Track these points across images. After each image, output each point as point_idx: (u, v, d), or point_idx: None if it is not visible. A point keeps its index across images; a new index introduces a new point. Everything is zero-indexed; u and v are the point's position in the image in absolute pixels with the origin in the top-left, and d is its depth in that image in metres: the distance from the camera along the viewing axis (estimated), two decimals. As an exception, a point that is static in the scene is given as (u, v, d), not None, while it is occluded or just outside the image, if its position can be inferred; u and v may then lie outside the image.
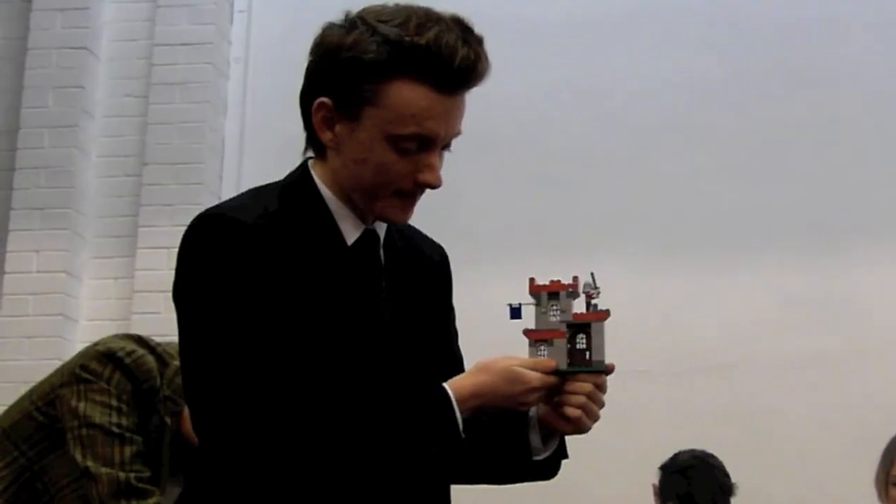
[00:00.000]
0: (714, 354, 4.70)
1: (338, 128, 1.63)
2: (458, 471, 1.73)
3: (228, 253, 1.55)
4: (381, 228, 1.71)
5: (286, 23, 5.26)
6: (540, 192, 4.99)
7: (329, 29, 1.64)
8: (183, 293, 1.60)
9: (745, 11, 5.09)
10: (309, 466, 1.52)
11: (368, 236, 1.69)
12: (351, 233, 1.67)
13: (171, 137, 5.12)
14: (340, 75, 1.61)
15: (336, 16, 1.67)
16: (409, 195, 1.65)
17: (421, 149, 1.62)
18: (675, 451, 3.61)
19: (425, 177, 1.63)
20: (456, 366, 1.75)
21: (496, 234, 4.88)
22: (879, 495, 3.36)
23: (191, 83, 5.16)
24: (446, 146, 1.67)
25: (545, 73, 5.10)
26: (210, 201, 5.03)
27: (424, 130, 1.60)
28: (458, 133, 1.66)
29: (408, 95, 1.59)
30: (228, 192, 5.08)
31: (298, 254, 1.60)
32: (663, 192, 4.94)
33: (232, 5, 5.41)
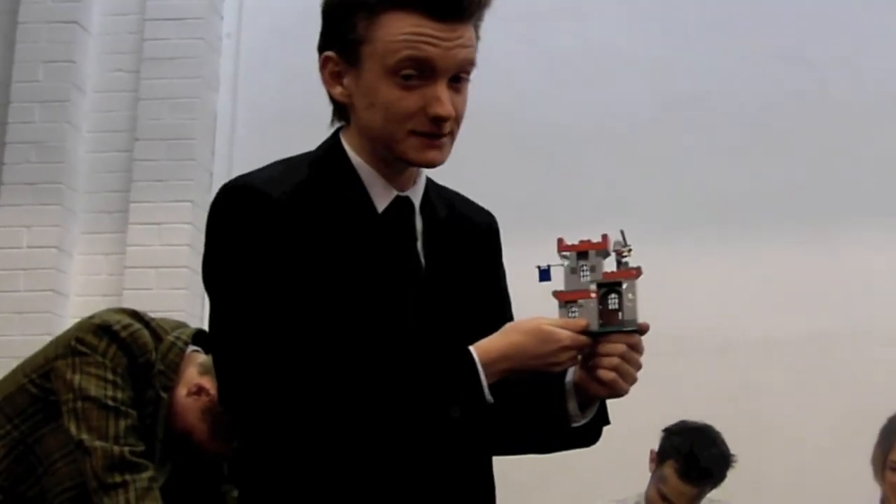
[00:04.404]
0: (708, 334, 4.70)
1: (346, 80, 1.63)
2: (496, 441, 1.70)
3: (256, 227, 1.54)
4: (417, 195, 1.69)
5: (278, -2, 5.23)
6: (534, 168, 4.98)
7: None
8: (212, 269, 1.60)
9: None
10: (332, 438, 1.51)
11: (401, 202, 1.67)
12: (381, 199, 1.65)
13: (163, 113, 5.10)
14: (336, 23, 1.62)
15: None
16: (428, 134, 1.61)
17: (423, 79, 1.59)
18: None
19: (433, 109, 1.59)
20: None
21: (491, 209, 4.85)
22: (875, 474, 3.37)
23: (182, 58, 5.14)
24: (457, 79, 1.62)
25: (544, 50, 5.09)
26: (202, 177, 5.02)
27: (418, 52, 1.57)
28: (467, 63, 1.61)
29: (398, 23, 1.57)
30: (220, 167, 5.07)
31: (327, 223, 1.59)
32: (660, 172, 4.94)
33: (223, -20, 5.40)
